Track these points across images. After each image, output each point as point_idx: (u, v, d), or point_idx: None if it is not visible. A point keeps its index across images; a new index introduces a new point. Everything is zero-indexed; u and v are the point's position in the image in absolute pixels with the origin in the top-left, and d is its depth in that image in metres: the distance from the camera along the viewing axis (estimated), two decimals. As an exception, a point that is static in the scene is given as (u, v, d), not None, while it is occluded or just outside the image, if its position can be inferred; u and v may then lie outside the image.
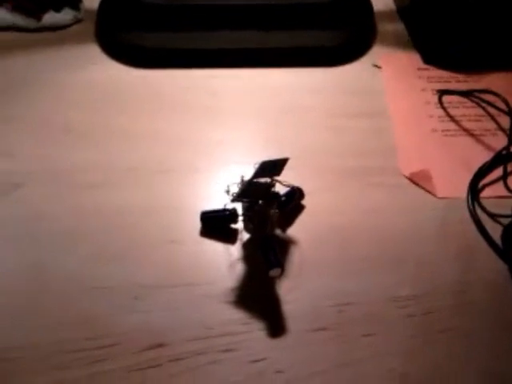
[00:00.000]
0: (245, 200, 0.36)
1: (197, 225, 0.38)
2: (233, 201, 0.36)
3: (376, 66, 0.51)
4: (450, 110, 0.47)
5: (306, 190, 0.40)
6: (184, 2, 0.50)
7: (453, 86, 0.49)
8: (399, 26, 0.54)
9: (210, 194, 0.40)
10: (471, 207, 0.40)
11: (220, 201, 0.38)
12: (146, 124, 0.45)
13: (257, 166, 0.35)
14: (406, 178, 0.42)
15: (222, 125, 0.46)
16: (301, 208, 0.40)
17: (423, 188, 0.42)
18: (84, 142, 0.44)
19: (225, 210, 0.38)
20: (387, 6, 0.56)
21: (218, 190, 0.39)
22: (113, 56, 0.50)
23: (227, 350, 0.33)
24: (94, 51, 0.51)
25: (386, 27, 0.54)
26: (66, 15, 0.52)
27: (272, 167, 0.35)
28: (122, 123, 0.45)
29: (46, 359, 0.32)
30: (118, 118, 0.46)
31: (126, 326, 0.34)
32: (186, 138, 0.44)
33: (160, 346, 0.33)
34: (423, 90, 0.49)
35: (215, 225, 0.39)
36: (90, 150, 0.43)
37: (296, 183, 0.39)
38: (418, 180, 0.42)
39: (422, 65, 0.51)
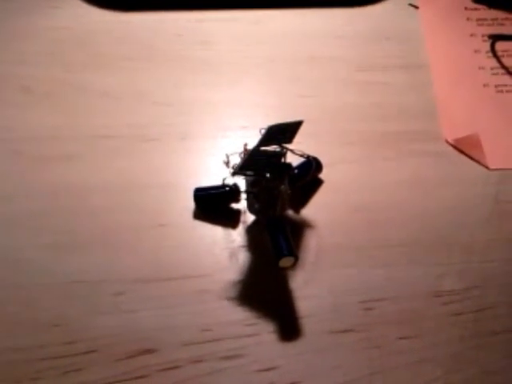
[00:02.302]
0: (249, 173, 0.36)
1: (190, 205, 0.39)
2: (234, 174, 0.35)
3: (413, 5, 0.51)
4: (505, 60, 0.47)
5: (324, 160, 0.40)
6: None
7: (509, 29, 0.49)
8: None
9: (205, 167, 0.40)
10: (532, 180, 0.40)
11: (218, 175, 0.38)
12: (124, 82, 0.45)
13: (263, 131, 0.35)
14: (450, 144, 0.42)
15: (221, 82, 0.45)
16: (318, 183, 0.40)
17: (471, 157, 0.42)
18: (48, 105, 0.44)
19: (224, 186, 0.38)
20: None
21: (216, 162, 0.39)
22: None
23: (229, 357, 0.33)
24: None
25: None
26: None
27: (282, 133, 0.35)
28: (95, 81, 0.45)
29: (7, 369, 0.32)
30: (89, 74, 0.45)
31: (105, 329, 0.34)
32: (175, 98, 0.44)
33: (147, 352, 0.33)
34: (472, 35, 0.49)
35: (212, 205, 0.39)
36: (55, 115, 0.43)
37: (312, 152, 0.39)
38: (465, 147, 0.42)
39: (470, 3, 0.51)
